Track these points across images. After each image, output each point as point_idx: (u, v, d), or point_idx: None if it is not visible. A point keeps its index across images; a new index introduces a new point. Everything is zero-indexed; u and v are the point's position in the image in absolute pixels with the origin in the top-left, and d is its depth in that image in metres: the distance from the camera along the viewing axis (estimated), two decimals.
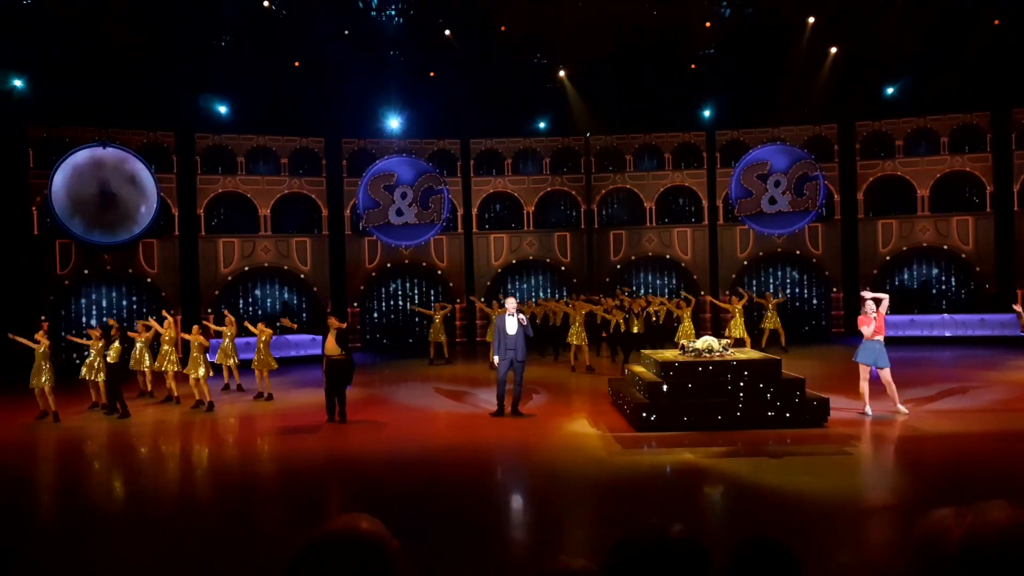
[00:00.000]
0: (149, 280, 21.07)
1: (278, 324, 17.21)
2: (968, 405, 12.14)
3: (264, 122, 22.45)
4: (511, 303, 12.14)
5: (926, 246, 22.82)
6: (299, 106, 22.31)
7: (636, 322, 17.54)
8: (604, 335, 19.22)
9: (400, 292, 24.37)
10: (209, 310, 21.16)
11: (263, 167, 22.82)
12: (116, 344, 13.18)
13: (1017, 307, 12.05)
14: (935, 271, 23.13)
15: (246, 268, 22.38)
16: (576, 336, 17.17)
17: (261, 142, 22.76)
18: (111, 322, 14.76)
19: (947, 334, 21.00)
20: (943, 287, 23.05)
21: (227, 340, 15.48)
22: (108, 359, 13.13)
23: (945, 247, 22.66)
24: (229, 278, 22.17)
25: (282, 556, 1.58)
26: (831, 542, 6.39)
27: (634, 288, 23.97)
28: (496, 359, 11.97)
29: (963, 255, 22.53)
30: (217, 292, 21.82)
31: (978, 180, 22.46)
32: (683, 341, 13.05)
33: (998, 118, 22.11)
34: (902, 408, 11.35)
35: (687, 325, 17.70)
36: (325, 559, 1.52)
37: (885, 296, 11.69)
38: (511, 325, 11.81)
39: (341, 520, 1.57)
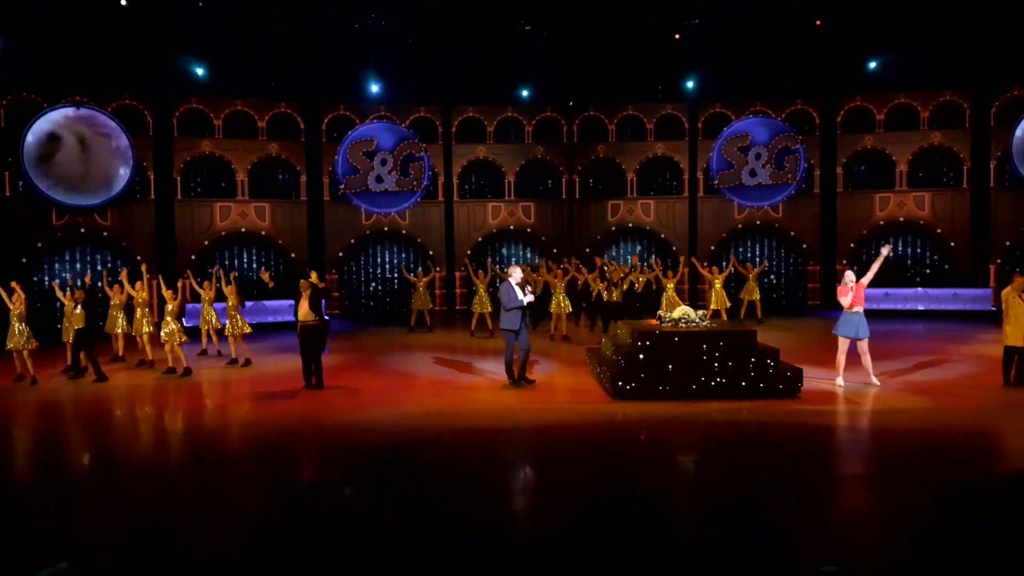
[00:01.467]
0: (125, 244, 20.80)
1: (255, 291, 17.08)
2: (938, 378, 12.34)
3: (243, 86, 22.09)
4: (518, 272, 11.98)
5: (903, 220, 23.03)
6: (278, 70, 21.96)
7: (615, 292, 17.61)
8: (584, 304, 19.30)
9: (379, 259, 24.25)
10: (188, 272, 20.95)
11: (241, 131, 22.50)
12: (79, 308, 13.08)
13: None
14: (911, 246, 23.37)
15: (223, 233, 22.16)
16: (557, 305, 17.25)
17: (239, 106, 22.40)
18: (71, 281, 14.59)
19: (921, 308, 21.29)
20: (919, 261, 23.32)
21: (205, 304, 15.36)
22: (75, 323, 13.05)
23: (921, 222, 22.89)
24: (206, 243, 21.94)
25: (257, 518, 1.57)
26: (801, 510, 6.50)
27: (614, 257, 24.03)
28: (508, 329, 11.65)
29: (939, 230, 22.77)
30: (193, 257, 21.59)
31: (956, 156, 22.63)
32: (661, 312, 13.13)
33: (977, 95, 22.24)
34: (875, 380, 11.52)
35: (671, 295, 17.77)
36: (302, 523, 1.52)
37: (877, 263, 11.75)
38: (522, 294, 11.67)
39: (316, 486, 1.58)
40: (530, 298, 11.70)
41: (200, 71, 21.43)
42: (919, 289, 21.85)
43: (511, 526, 6.20)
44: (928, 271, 23.08)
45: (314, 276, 13.13)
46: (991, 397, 10.91)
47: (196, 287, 15.96)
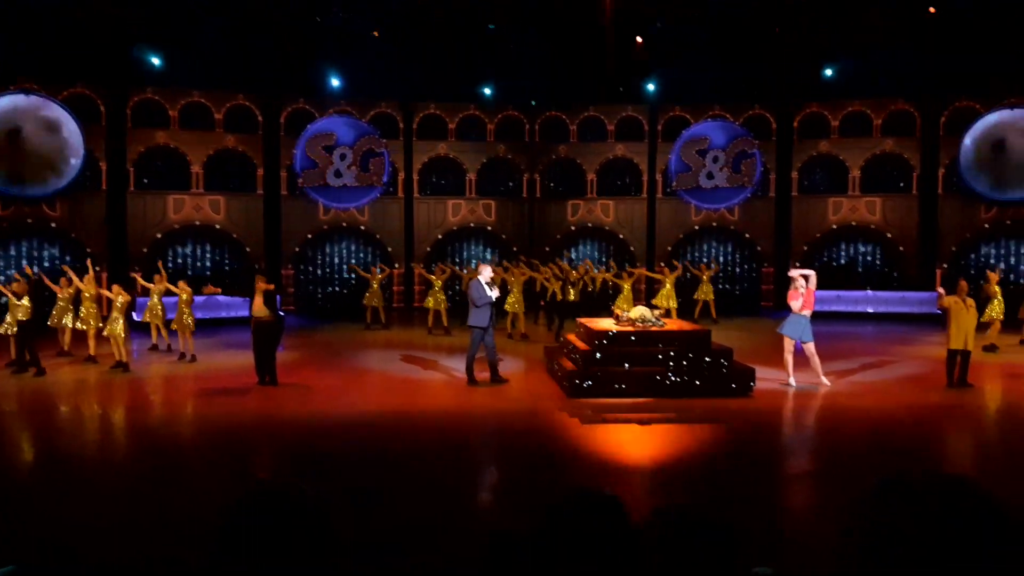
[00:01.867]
0: (74, 235, 20.31)
1: (203, 290, 16.78)
2: (886, 378, 12.64)
3: (200, 77, 21.68)
4: (488, 270, 11.97)
5: (855, 225, 23.53)
6: (237, 63, 21.57)
7: (572, 291, 17.70)
8: (542, 303, 19.36)
9: (337, 255, 24.02)
10: (137, 268, 20.53)
11: (197, 123, 22.11)
12: (26, 300, 12.74)
13: (940, 289, 12.56)
14: (862, 249, 23.89)
15: (176, 226, 21.76)
16: (514, 304, 17.29)
17: (196, 97, 22.01)
18: (17, 276, 14.15)
19: (870, 310, 21.77)
20: (869, 265, 23.85)
21: (155, 298, 15.07)
22: (19, 315, 12.70)
23: (872, 226, 23.41)
24: (159, 235, 21.52)
25: (209, 518, 1.55)
26: (753, 507, 6.61)
27: (573, 258, 24.14)
28: (478, 326, 11.64)
29: (888, 235, 23.32)
30: (146, 250, 21.17)
31: (906, 163, 23.20)
32: (618, 311, 13.23)
33: (927, 105, 22.80)
34: (824, 380, 11.76)
35: (627, 295, 17.90)
36: (251, 520, 1.51)
37: (812, 272, 12.02)
38: (490, 291, 11.65)
39: (267, 482, 1.57)
40: (496, 292, 11.74)
41: (156, 61, 20.98)
42: (869, 292, 22.35)
43: (466, 524, 6.20)
44: (878, 275, 23.62)
45: (262, 282, 12.37)
46: (935, 397, 11.21)
47: (143, 282, 15.66)
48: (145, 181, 21.57)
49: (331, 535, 1.53)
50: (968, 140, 21.99)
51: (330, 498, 1.48)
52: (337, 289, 23.86)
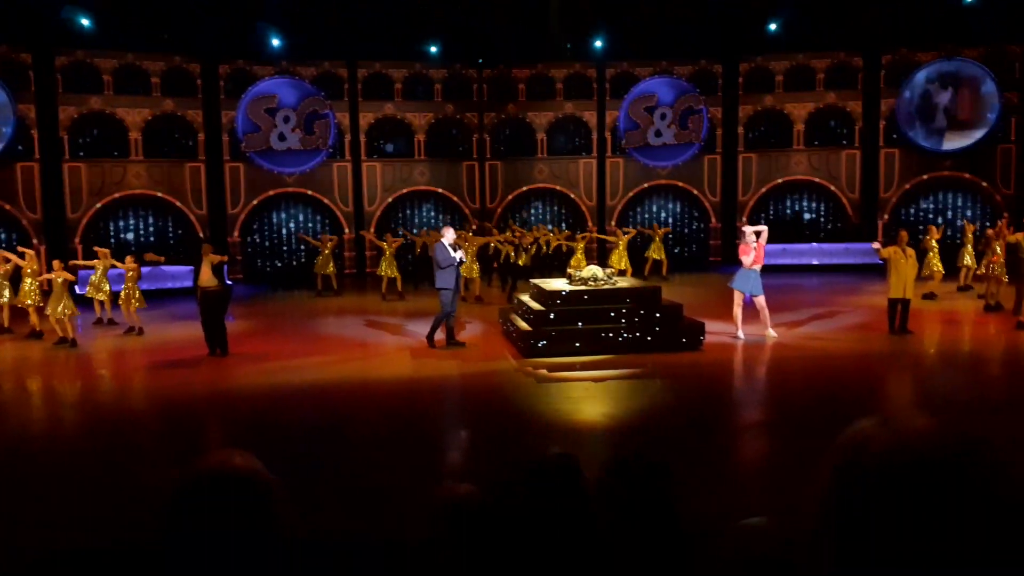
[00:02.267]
0: (8, 208, 19.55)
1: (144, 257, 16.26)
2: (832, 328, 13.01)
3: (134, 39, 20.83)
4: (451, 232, 11.88)
5: (800, 179, 23.93)
6: (172, 23, 20.77)
7: (524, 255, 17.72)
8: (495, 265, 19.36)
9: (284, 221, 23.56)
10: (77, 240, 19.93)
11: (133, 87, 21.32)
12: None
13: (875, 244, 12.88)
14: (807, 203, 24.34)
15: (117, 195, 21.09)
16: (469, 268, 17.21)
17: (130, 60, 21.19)
18: None
19: (815, 262, 22.27)
20: (814, 218, 24.33)
21: (99, 272, 14.66)
22: None
23: (817, 180, 23.83)
24: (98, 206, 20.85)
25: (157, 496, 1.52)
26: (705, 457, 6.77)
27: (527, 218, 24.14)
28: (445, 287, 11.53)
29: (832, 188, 23.78)
30: (85, 220, 20.51)
31: (849, 116, 23.58)
32: (570, 270, 13.30)
33: (870, 58, 23.14)
34: (772, 332, 12.04)
35: (579, 256, 18.01)
36: (199, 496, 1.49)
37: (764, 228, 12.21)
38: (454, 252, 11.56)
39: (214, 456, 1.54)
40: (461, 255, 11.67)
41: (86, 22, 20.08)
42: (814, 244, 22.84)
43: (419, 489, 6.24)
44: (823, 227, 24.12)
45: (210, 251, 12.04)
46: (878, 345, 11.58)
47: (84, 263, 15.19)
48: (81, 152, 20.81)
49: (274, 511, 1.52)
50: (908, 92, 22.44)
51: (277, 469, 1.46)
52: (285, 256, 23.47)
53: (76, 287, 13.92)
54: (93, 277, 14.75)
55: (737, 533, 1.57)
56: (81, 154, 20.80)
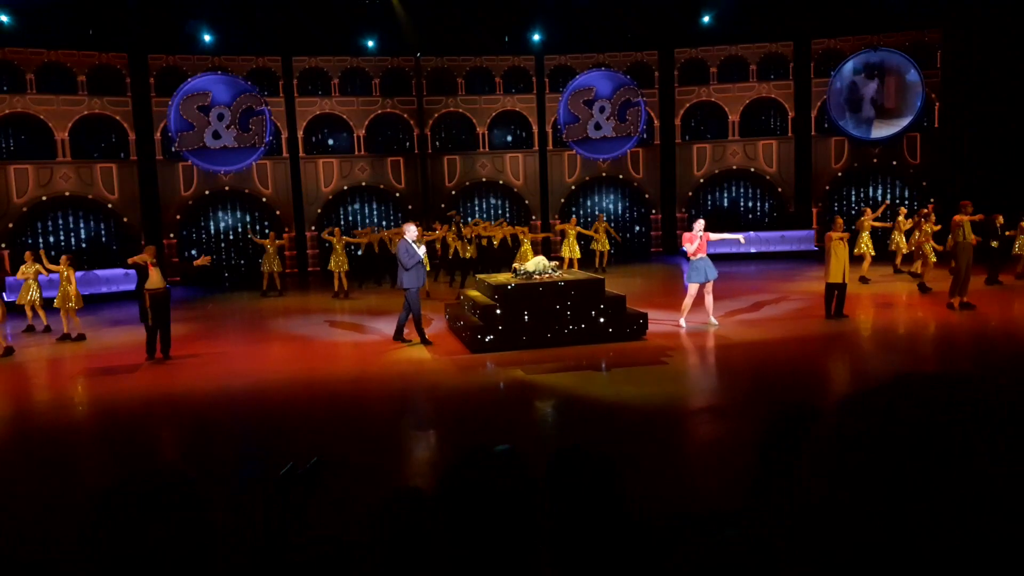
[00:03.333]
0: None
1: (84, 259, 15.83)
2: (770, 314, 13.34)
3: (58, 35, 20.10)
4: (412, 229, 11.72)
5: (736, 169, 24.45)
6: (98, 18, 20.11)
7: (469, 248, 17.72)
8: (437, 261, 19.30)
9: (221, 221, 23.05)
10: (2, 244, 19.18)
11: (58, 85, 20.57)
12: None
13: (830, 234, 12.99)
14: (743, 192, 24.89)
15: (43, 198, 20.36)
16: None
17: (54, 57, 20.44)
18: None
19: (753, 250, 22.80)
20: (750, 207, 24.89)
21: (30, 279, 14.16)
22: None
23: (752, 169, 24.39)
24: (24, 209, 20.10)
25: (95, 496, 1.50)
26: (649, 446, 6.90)
27: (470, 213, 24.11)
28: (412, 287, 11.39)
29: (768, 177, 24.36)
30: (11, 225, 19.75)
31: (782, 106, 24.17)
32: (516, 264, 13.35)
33: (800, 48, 23.76)
34: (713, 320, 12.30)
35: (526, 248, 18.10)
36: (132, 502, 1.49)
37: (718, 237, 12.43)
38: (417, 249, 11.46)
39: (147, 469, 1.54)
40: (423, 251, 11.56)
41: (4, 18, 19.32)
42: (750, 232, 23.37)
43: (360, 490, 6.21)
44: (759, 216, 24.71)
45: (149, 252, 11.81)
46: (816, 329, 11.93)
47: (7, 269, 14.66)
48: (4, 155, 20.01)
49: (204, 519, 1.52)
50: (838, 82, 23.11)
51: (215, 475, 1.46)
52: (224, 256, 22.98)
53: (4, 294, 13.41)
54: (26, 284, 14.25)
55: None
56: (5, 155, 20.01)
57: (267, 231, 20.91)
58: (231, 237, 22.83)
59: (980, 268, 14.58)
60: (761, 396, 8.35)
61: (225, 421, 8.50)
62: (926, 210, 16.25)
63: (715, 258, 13.02)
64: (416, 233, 11.76)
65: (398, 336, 11.90)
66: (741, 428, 7.13)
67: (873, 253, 16.71)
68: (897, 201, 22.74)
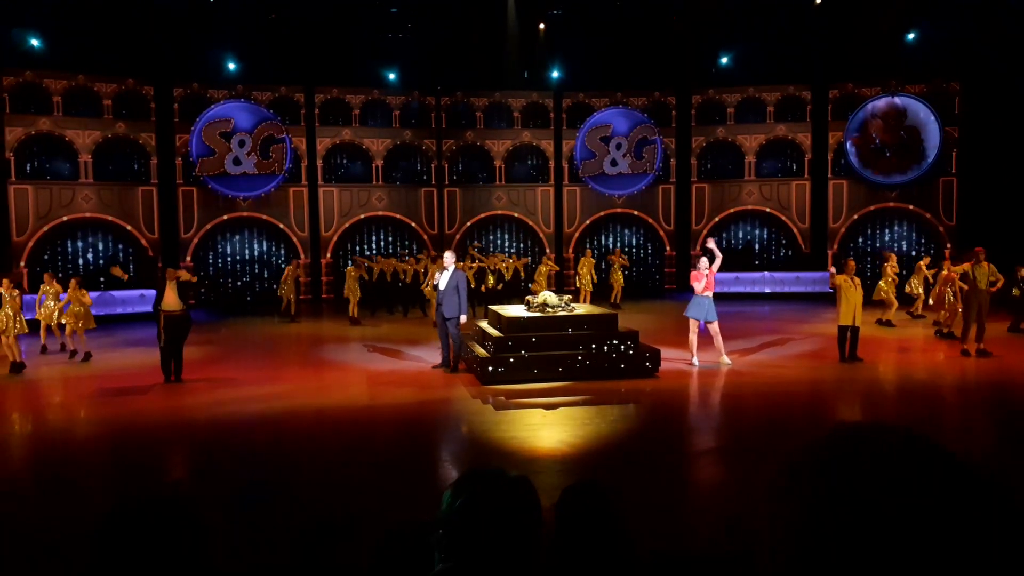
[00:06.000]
0: None
1: (101, 280, 15.99)
2: (783, 355, 13.25)
3: (86, 61, 20.53)
4: (451, 257, 12.08)
5: (751, 208, 24.46)
6: (126, 45, 20.52)
7: (491, 277, 17.90)
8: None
9: (239, 246, 23.26)
10: (23, 264, 19.40)
11: (84, 109, 20.94)
12: None
13: (832, 269, 13.11)
14: (758, 232, 24.87)
15: (65, 218, 20.62)
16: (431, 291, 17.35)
17: (81, 81, 20.85)
18: None
19: (767, 290, 22.73)
20: (765, 247, 24.86)
21: (49, 299, 14.32)
22: None
23: (768, 210, 24.39)
24: (45, 229, 20.35)
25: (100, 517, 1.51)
26: (661, 482, 6.82)
27: (484, 245, 24.22)
28: (463, 318, 11.70)
29: (783, 217, 24.34)
30: (32, 243, 19.99)
31: (798, 148, 24.24)
32: (528, 297, 13.37)
33: (817, 91, 23.87)
34: (726, 359, 12.22)
35: (542, 282, 18.22)
36: (130, 527, 1.49)
37: (719, 256, 12.40)
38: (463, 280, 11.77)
39: (141, 495, 1.55)
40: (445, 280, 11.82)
41: (36, 42, 19.74)
42: (765, 273, 23.31)
43: (370, 519, 6.17)
44: (773, 256, 24.66)
45: (184, 274, 12.10)
46: (829, 372, 11.82)
47: (24, 289, 14.82)
48: (27, 174, 20.34)
49: (206, 544, 1.52)
50: (852, 124, 23.17)
51: (220, 501, 1.47)
52: (241, 281, 23.15)
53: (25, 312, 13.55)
54: (45, 302, 14.39)
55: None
56: (30, 175, 20.33)
57: (293, 259, 21.07)
58: (248, 262, 23.00)
59: (1002, 314, 14.47)
60: (770, 438, 8.26)
61: (229, 445, 8.49)
62: (945, 262, 16.09)
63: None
64: (453, 260, 12.09)
65: (454, 368, 11.99)
66: (748, 469, 7.05)
67: (896, 303, 16.46)
68: (916, 249, 22.62)
